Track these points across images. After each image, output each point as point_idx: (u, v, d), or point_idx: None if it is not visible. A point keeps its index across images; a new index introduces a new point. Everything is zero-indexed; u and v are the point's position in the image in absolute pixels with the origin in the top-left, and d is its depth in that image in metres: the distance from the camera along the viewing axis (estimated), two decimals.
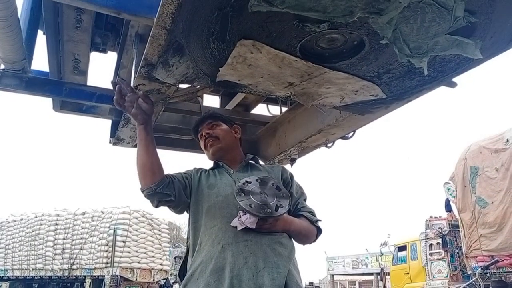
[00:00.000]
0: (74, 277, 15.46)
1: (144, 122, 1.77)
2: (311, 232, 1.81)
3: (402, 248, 13.27)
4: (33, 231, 16.31)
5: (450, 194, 10.21)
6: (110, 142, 2.71)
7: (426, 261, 11.67)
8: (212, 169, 1.98)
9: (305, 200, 1.90)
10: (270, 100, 3.12)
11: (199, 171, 1.95)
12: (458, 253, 10.92)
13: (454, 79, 1.93)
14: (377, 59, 1.55)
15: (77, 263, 15.18)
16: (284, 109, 2.93)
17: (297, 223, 1.76)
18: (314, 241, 1.86)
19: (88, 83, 2.61)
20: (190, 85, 2.28)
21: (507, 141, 8.42)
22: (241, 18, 1.32)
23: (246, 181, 1.69)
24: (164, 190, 1.73)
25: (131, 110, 1.74)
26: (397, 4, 1.19)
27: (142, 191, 1.75)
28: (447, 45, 1.38)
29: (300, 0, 1.19)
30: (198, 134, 2.05)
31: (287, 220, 1.71)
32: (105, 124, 2.79)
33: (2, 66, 2.15)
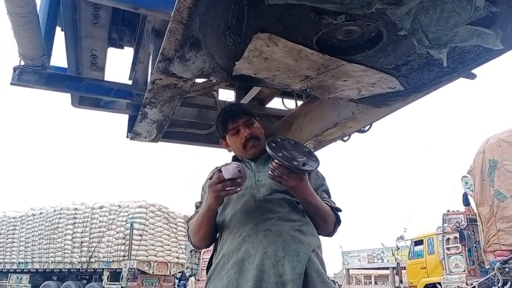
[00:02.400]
0: (92, 270, 15.73)
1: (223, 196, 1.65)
2: (330, 216, 1.75)
3: (418, 242, 13.16)
4: (52, 225, 16.63)
5: (468, 188, 10.06)
6: (127, 136, 2.74)
7: (443, 256, 11.55)
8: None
9: (325, 191, 1.87)
10: (285, 93, 3.11)
11: None
12: (476, 247, 10.78)
13: (474, 71, 1.89)
14: (395, 51, 1.53)
15: (95, 256, 15.45)
16: (300, 102, 2.92)
17: (318, 198, 1.71)
18: (333, 232, 1.80)
19: (106, 79, 2.64)
20: (206, 80, 2.29)
21: None
22: (258, 11, 1.31)
23: (281, 139, 1.68)
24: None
25: (225, 193, 1.60)
26: None
27: (193, 246, 1.87)
28: (467, 36, 1.35)
29: None
30: (229, 129, 1.87)
31: (309, 188, 1.66)
32: (123, 119, 2.82)
33: (22, 63, 2.19)
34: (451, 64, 1.59)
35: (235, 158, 1.92)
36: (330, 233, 1.80)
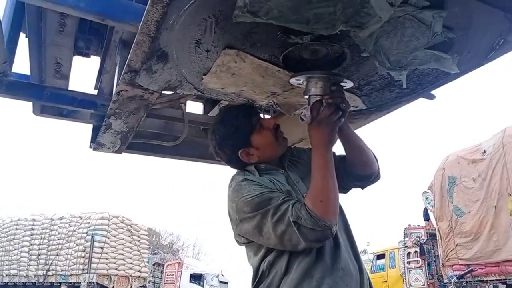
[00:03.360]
0: (49, 284, 15.09)
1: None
2: (372, 154, 1.63)
3: (380, 256, 13.42)
4: (8, 236, 15.90)
5: (429, 203, 10.39)
6: (90, 147, 2.68)
7: (404, 269, 11.82)
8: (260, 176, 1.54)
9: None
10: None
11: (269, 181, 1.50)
12: (435, 261, 11.10)
13: (433, 92, 1.98)
14: (358, 71, 1.59)
15: (53, 270, 14.86)
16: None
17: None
18: (374, 177, 1.67)
19: (70, 88, 2.58)
20: (173, 92, 2.28)
21: (484, 152, 8.64)
22: (226, 27, 1.33)
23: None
24: None
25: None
26: (377, 19, 1.22)
27: (331, 230, 1.32)
28: (425, 59, 1.42)
29: (284, 12, 1.21)
30: (255, 124, 1.59)
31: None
32: (86, 129, 2.76)
33: None
34: (410, 85, 1.67)
35: (254, 170, 1.56)
36: (378, 171, 1.68)
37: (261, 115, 1.61)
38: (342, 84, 1.47)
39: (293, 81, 1.53)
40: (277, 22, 1.23)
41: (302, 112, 1.47)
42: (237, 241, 1.57)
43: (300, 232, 1.30)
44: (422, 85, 1.69)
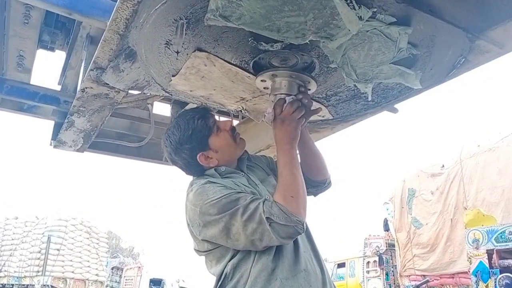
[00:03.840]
0: (1, 286, 14.44)
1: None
2: (324, 160, 1.68)
3: (341, 265, 13.61)
4: None
5: (389, 214, 10.66)
6: (51, 144, 2.59)
7: (363, 279, 12.04)
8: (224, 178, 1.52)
9: None
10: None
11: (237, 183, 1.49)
12: (393, 271, 11.36)
13: (396, 106, 2.05)
14: (326, 81, 1.62)
15: (5, 271, 14.23)
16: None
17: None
18: (327, 183, 1.70)
19: (32, 82, 2.49)
20: (140, 92, 2.25)
21: (443, 166, 8.98)
22: (197, 30, 1.33)
23: None
24: None
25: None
26: (346, 31, 1.25)
27: (302, 225, 1.32)
28: (390, 74, 1.47)
29: (256, 19, 1.22)
30: (213, 126, 1.53)
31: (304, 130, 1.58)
32: (47, 125, 2.67)
33: None
34: (375, 98, 1.71)
35: (215, 173, 1.53)
36: (330, 178, 1.73)
37: (216, 117, 1.57)
38: (306, 84, 1.50)
39: (259, 83, 1.54)
40: (248, 28, 1.24)
41: (266, 111, 1.49)
42: (198, 251, 1.51)
43: (272, 229, 1.28)
44: (387, 98, 1.74)
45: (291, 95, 1.45)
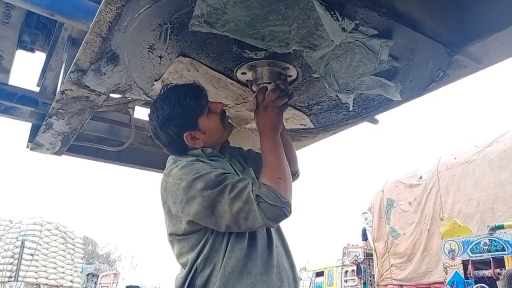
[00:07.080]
0: None
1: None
2: (296, 155, 1.74)
3: (320, 273, 13.65)
4: None
5: (367, 224, 10.77)
6: (27, 147, 2.53)
7: (341, 287, 12.09)
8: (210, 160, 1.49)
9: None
10: None
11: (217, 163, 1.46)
12: (371, 280, 11.44)
13: (377, 117, 2.07)
14: (308, 90, 1.63)
15: None
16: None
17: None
18: (297, 175, 1.74)
19: (10, 83, 2.44)
20: (121, 96, 2.22)
21: (421, 177, 9.12)
22: (181, 35, 1.32)
23: None
24: None
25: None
26: (329, 42, 1.27)
27: (290, 207, 1.32)
28: (371, 85, 1.49)
29: (241, 26, 1.22)
30: (204, 106, 1.48)
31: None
32: (24, 127, 2.61)
33: None
34: (356, 108, 1.73)
35: (202, 153, 1.48)
36: (299, 170, 1.77)
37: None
38: (285, 70, 1.52)
39: (240, 76, 1.54)
40: (233, 35, 1.24)
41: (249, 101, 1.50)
42: (173, 234, 1.42)
43: (260, 209, 1.24)
44: (367, 109, 1.77)
45: (271, 83, 1.47)
